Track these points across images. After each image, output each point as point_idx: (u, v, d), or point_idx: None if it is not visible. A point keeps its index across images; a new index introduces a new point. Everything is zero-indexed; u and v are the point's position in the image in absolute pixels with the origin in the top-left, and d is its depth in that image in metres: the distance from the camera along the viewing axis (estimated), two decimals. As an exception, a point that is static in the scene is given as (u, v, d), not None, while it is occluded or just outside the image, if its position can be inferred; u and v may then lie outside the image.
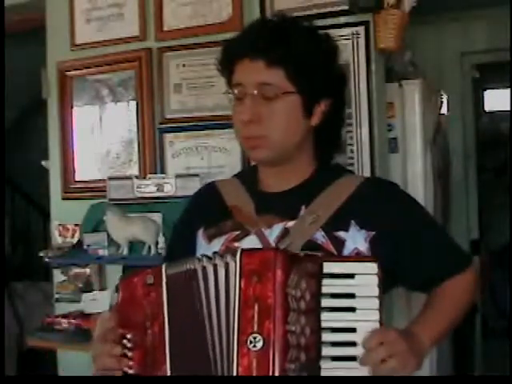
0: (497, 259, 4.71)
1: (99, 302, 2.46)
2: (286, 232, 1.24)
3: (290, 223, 1.25)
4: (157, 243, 2.19)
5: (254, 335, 1.01)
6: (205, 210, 1.40)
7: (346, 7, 2.16)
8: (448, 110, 3.04)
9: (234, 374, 1.01)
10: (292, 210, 1.25)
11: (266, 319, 1.01)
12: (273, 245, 1.23)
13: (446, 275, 1.28)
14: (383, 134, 2.26)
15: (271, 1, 2.30)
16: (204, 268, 1.09)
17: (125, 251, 2.24)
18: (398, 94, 2.35)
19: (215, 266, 1.08)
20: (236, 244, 1.27)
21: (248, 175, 1.40)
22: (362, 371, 1.05)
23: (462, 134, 3.88)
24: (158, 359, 1.11)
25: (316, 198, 1.26)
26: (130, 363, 1.13)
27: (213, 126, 2.40)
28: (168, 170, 2.47)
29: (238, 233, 1.28)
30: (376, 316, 1.06)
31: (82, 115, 2.68)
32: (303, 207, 1.25)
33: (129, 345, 1.14)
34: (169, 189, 2.28)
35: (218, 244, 1.29)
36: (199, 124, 2.43)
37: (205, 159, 2.43)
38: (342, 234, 1.22)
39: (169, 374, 1.09)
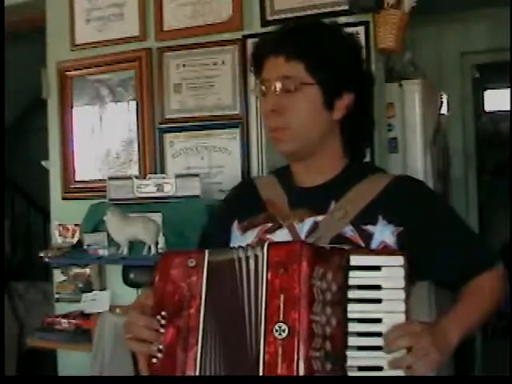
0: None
1: (99, 301, 2.46)
2: (315, 226, 1.28)
3: (320, 217, 1.29)
4: (157, 243, 2.19)
5: (280, 324, 1.06)
6: (241, 202, 1.46)
7: (346, 7, 2.17)
8: (448, 110, 3.04)
9: (261, 360, 1.06)
10: (322, 205, 1.29)
11: (291, 309, 1.05)
12: (303, 238, 1.26)
13: (474, 273, 1.29)
14: (383, 134, 2.26)
15: (271, 1, 2.30)
16: (239, 259, 1.14)
17: (125, 251, 2.24)
18: (398, 94, 2.35)
19: (247, 258, 1.13)
20: (268, 236, 1.31)
21: (283, 172, 1.44)
22: (387, 361, 1.08)
23: (461, 134, 3.88)
24: (189, 340, 1.13)
25: (346, 194, 1.30)
26: (161, 339, 1.16)
27: (213, 125, 2.40)
28: (168, 170, 2.48)
29: (270, 225, 1.33)
30: (402, 307, 1.09)
31: (82, 115, 2.68)
32: (333, 202, 1.29)
33: (162, 321, 1.17)
34: (169, 189, 2.28)
35: (251, 236, 1.34)
36: (199, 124, 2.44)
37: (205, 159, 2.43)
38: (370, 227, 1.26)
39: (199, 356, 1.12)
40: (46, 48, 2.76)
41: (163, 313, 1.17)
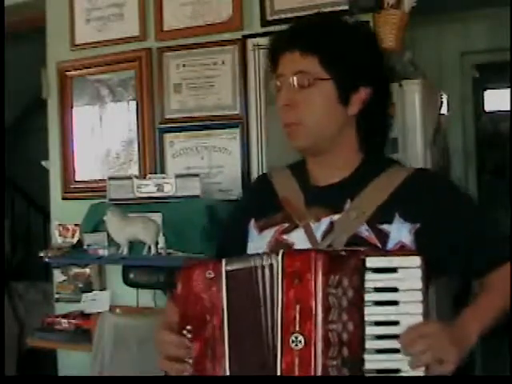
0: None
1: (99, 301, 2.46)
2: (331, 226, 1.26)
3: (336, 217, 1.27)
4: (157, 243, 2.19)
5: (296, 335, 1.06)
6: (257, 200, 1.44)
7: (345, 7, 2.17)
8: (448, 110, 3.03)
9: (278, 371, 1.07)
10: (338, 204, 1.28)
11: (307, 320, 1.05)
12: (319, 239, 1.26)
13: (495, 264, 1.28)
14: (383, 134, 2.26)
15: (271, 1, 2.30)
16: (256, 267, 1.13)
17: (125, 251, 2.24)
18: (398, 94, 2.34)
19: (263, 267, 1.12)
20: (285, 237, 1.30)
21: (298, 167, 1.41)
22: (405, 363, 1.07)
23: (462, 133, 3.88)
24: (217, 352, 1.14)
25: (361, 192, 1.28)
26: (190, 353, 1.16)
27: (213, 125, 2.40)
28: (168, 169, 2.48)
29: (287, 225, 1.31)
30: (419, 309, 1.08)
31: (82, 115, 2.68)
32: (349, 200, 1.28)
33: (189, 336, 1.17)
34: (169, 189, 2.28)
35: (268, 235, 1.33)
36: (199, 124, 2.44)
37: (205, 159, 2.43)
38: (385, 226, 1.24)
39: (227, 367, 1.13)
40: (46, 48, 2.76)
41: (188, 327, 1.17)
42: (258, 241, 1.33)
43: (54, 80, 2.71)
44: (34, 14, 2.87)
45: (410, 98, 2.34)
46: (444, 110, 2.89)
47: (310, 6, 2.22)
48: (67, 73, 2.68)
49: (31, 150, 4.18)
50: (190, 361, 1.16)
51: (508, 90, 4.75)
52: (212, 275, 1.16)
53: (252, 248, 1.35)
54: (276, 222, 1.33)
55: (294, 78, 1.27)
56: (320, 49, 1.26)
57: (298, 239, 1.28)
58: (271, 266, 1.11)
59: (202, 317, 1.16)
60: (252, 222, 1.38)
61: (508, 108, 4.86)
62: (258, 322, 1.11)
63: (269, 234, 1.33)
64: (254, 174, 2.33)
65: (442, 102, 2.83)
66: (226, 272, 1.16)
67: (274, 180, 1.43)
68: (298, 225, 1.30)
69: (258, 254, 1.16)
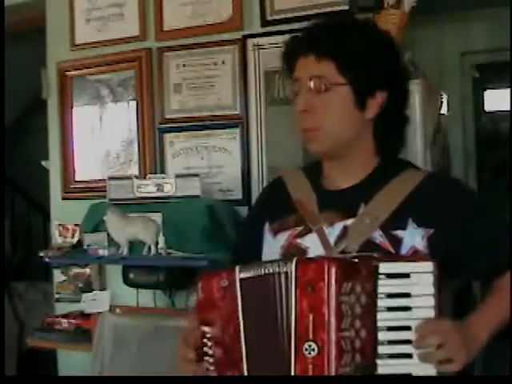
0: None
1: (99, 301, 2.46)
2: (345, 231, 1.27)
3: (350, 221, 1.27)
4: (157, 243, 2.19)
5: (309, 343, 1.06)
6: (271, 203, 1.45)
7: (345, 7, 2.16)
8: (448, 110, 3.03)
9: None
10: (352, 208, 1.28)
11: (320, 328, 1.06)
12: (332, 244, 1.26)
13: (506, 268, 1.28)
14: (383, 134, 2.26)
15: (271, 1, 2.30)
16: (269, 274, 1.14)
17: (125, 251, 2.24)
18: (398, 94, 2.34)
19: (278, 274, 1.13)
20: (298, 241, 1.31)
21: (313, 170, 1.42)
22: (417, 368, 1.08)
23: (462, 133, 3.88)
24: (235, 358, 1.16)
25: (375, 197, 1.28)
26: (211, 360, 1.19)
27: (213, 126, 2.40)
28: (168, 169, 2.48)
29: (300, 229, 1.32)
30: (431, 314, 1.09)
31: (82, 115, 2.68)
32: (362, 205, 1.27)
33: (209, 343, 1.20)
34: (169, 189, 2.28)
35: (282, 239, 1.34)
36: (199, 124, 2.44)
37: (205, 159, 2.43)
38: (399, 232, 1.24)
39: (245, 372, 1.15)
40: (46, 48, 2.76)
41: (209, 334, 1.20)
42: (273, 244, 1.34)
43: (53, 80, 2.71)
44: (33, 13, 2.87)
45: (410, 97, 2.34)
46: (444, 110, 2.89)
47: (310, 5, 2.22)
48: (67, 73, 2.68)
49: (31, 150, 4.18)
50: (212, 368, 1.19)
51: (508, 90, 4.75)
52: (226, 284, 1.19)
53: (267, 252, 1.36)
54: (289, 224, 1.34)
55: (311, 82, 1.27)
56: (336, 54, 1.26)
57: (312, 243, 1.28)
58: (286, 273, 1.11)
59: (220, 324, 1.19)
60: (266, 225, 1.39)
61: (508, 108, 4.85)
62: (272, 329, 1.13)
63: (283, 237, 1.34)
64: (254, 174, 2.33)
65: (441, 102, 2.83)
66: (240, 280, 1.17)
67: (287, 182, 1.43)
68: (312, 229, 1.30)
69: (272, 261, 1.17)
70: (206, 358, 1.21)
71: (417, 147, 2.34)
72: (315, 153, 1.34)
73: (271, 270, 1.14)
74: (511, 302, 1.25)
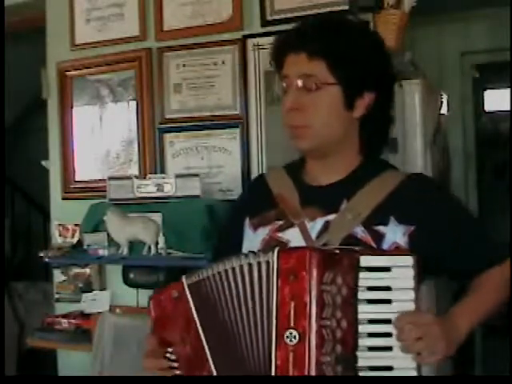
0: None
1: (99, 301, 2.46)
2: (327, 226, 1.28)
3: (332, 217, 1.28)
4: (157, 243, 2.19)
5: (291, 331, 1.07)
6: (252, 199, 1.47)
7: (346, 7, 2.16)
8: (448, 110, 3.03)
9: (273, 367, 1.08)
10: (334, 204, 1.29)
11: (301, 316, 1.07)
12: (314, 238, 1.27)
13: (485, 267, 1.31)
14: (383, 134, 2.26)
15: (271, 1, 2.30)
16: (241, 267, 1.15)
17: (125, 251, 2.24)
18: (398, 94, 2.34)
19: (259, 264, 1.14)
20: (279, 234, 1.32)
21: (295, 167, 1.43)
22: (397, 361, 1.10)
23: (462, 134, 3.88)
24: (201, 364, 1.18)
25: (357, 194, 1.29)
26: (178, 372, 1.22)
27: (213, 126, 2.40)
28: (168, 169, 2.48)
29: (281, 223, 1.33)
30: (411, 307, 1.11)
31: (82, 115, 2.68)
32: (345, 201, 1.29)
33: (172, 357, 1.23)
34: (169, 189, 2.28)
35: (262, 233, 1.34)
36: (199, 124, 2.43)
37: (205, 159, 2.43)
38: (381, 228, 1.26)
39: (214, 371, 1.17)
40: (46, 48, 2.76)
41: (170, 349, 1.23)
42: (253, 239, 1.35)
43: (53, 80, 2.71)
44: (33, 14, 2.87)
45: (409, 98, 2.34)
46: (444, 110, 2.89)
47: (310, 5, 2.22)
48: (67, 73, 2.68)
49: (31, 150, 4.18)
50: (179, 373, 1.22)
51: (508, 90, 4.75)
52: (176, 294, 1.22)
53: (247, 246, 1.36)
54: (270, 219, 1.35)
55: (301, 80, 1.27)
56: (328, 53, 1.26)
57: (293, 237, 1.29)
58: (267, 263, 1.12)
59: (180, 336, 1.21)
60: (247, 220, 1.40)
61: (508, 108, 4.86)
62: (244, 322, 1.14)
63: (263, 232, 1.34)
64: (254, 174, 2.33)
65: (441, 102, 2.83)
66: (188, 286, 1.21)
67: (268, 178, 1.44)
68: (293, 223, 1.31)
69: (253, 252, 1.18)
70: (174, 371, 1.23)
71: (417, 147, 2.34)
72: (302, 150, 1.36)
73: (242, 263, 1.15)
74: (492, 299, 1.29)
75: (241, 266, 1.15)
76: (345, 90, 1.27)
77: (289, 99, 1.29)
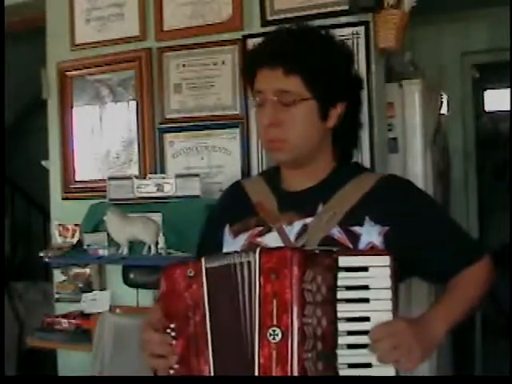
0: (497, 259, 4.70)
1: (99, 301, 2.46)
2: (304, 229, 1.31)
3: (309, 220, 1.31)
4: (157, 243, 2.19)
5: (273, 328, 1.10)
6: (231, 207, 1.49)
7: (346, 7, 2.16)
8: (448, 110, 3.04)
9: (256, 364, 1.11)
10: (311, 208, 1.32)
11: (283, 313, 1.10)
12: (292, 241, 1.30)
13: (460, 267, 1.32)
14: (383, 134, 2.26)
15: (271, 1, 2.30)
16: (234, 264, 1.17)
17: (125, 251, 2.24)
18: (398, 94, 2.35)
19: (241, 264, 1.16)
20: (258, 239, 1.35)
21: (272, 175, 1.46)
22: (375, 357, 1.12)
23: (462, 133, 3.89)
24: (200, 348, 1.18)
25: (333, 197, 1.32)
26: (175, 350, 1.20)
27: (213, 125, 2.40)
28: (168, 169, 2.48)
29: (260, 229, 1.36)
30: (388, 306, 1.13)
31: (82, 115, 2.68)
32: (321, 205, 1.32)
33: (172, 334, 1.21)
34: (169, 189, 2.28)
35: (242, 239, 1.37)
36: (199, 124, 2.43)
37: (205, 159, 2.43)
38: (357, 228, 1.28)
39: (211, 360, 1.17)
40: (46, 48, 2.76)
41: (172, 325, 1.21)
42: (233, 245, 1.37)
43: (53, 80, 2.71)
44: (33, 14, 2.86)
45: (409, 97, 2.34)
46: (444, 110, 2.89)
47: (310, 6, 2.22)
48: (67, 73, 2.68)
49: (31, 150, 4.18)
50: (175, 357, 1.20)
51: (508, 90, 4.76)
52: (193, 273, 1.20)
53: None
54: (250, 226, 1.38)
55: (276, 96, 1.29)
56: (304, 69, 1.28)
57: (272, 241, 1.32)
58: (249, 262, 1.15)
59: (185, 314, 1.20)
60: (227, 227, 1.42)
61: (508, 108, 4.87)
62: (237, 316, 1.15)
63: (243, 237, 1.37)
64: (254, 174, 2.33)
65: (441, 102, 2.83)
66: (206, 269, 1.20)
67: (246, 187, 1.47)
68: (272, 228, 1.34)
69: (236, 252, 1.21)
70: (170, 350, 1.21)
71: (417, 147, 2.35)
72: (279, 162, 1.40)
73: (235, 260, 1.17)
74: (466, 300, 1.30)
75: (241, 264, 1.17)
76: (320, 104, 1.30)
77: (266, 115, 1.32)
